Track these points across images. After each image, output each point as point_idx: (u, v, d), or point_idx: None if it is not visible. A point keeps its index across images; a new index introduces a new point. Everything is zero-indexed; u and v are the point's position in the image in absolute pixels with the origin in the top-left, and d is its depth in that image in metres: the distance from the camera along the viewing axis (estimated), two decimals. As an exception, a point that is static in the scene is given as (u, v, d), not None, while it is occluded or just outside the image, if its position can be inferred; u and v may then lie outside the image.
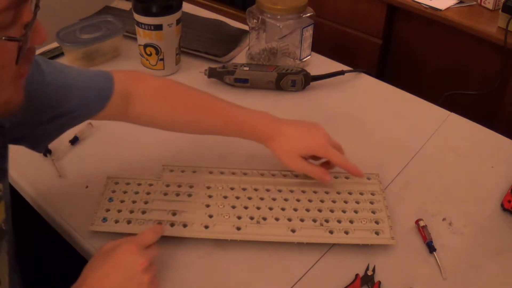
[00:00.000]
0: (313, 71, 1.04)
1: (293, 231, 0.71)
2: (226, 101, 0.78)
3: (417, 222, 0.74)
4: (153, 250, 0.64)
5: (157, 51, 1.03)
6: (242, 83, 1.02)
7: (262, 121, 0.76)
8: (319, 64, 1.11)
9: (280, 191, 0.78)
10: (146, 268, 0.60)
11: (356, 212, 0.75)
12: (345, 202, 0.76)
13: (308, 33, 1.07)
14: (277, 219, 0.73)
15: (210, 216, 0.73)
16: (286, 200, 0.76)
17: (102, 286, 0.58)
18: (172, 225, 0.72)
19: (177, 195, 0.76)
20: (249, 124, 0.76)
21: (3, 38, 0.44)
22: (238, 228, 0.71)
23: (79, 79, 0.70)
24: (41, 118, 0.66)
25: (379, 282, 0.66)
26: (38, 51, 1.11)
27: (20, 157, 0.86)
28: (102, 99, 0.71)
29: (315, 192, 0.78)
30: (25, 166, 0.83)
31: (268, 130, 0.75)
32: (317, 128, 0.77)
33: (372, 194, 0.78)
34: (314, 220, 0.73)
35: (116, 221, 0.72)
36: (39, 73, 0.64)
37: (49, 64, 0.67)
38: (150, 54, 1.03)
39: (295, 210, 0.74)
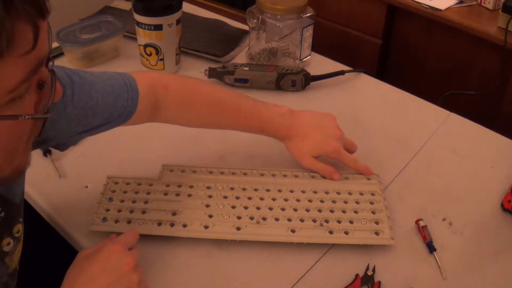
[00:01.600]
0: (313, 71, 1.04)
1: (293, 231, 0.71)
2: (247, 98, 0.81)
3: (417, 222, 0.74)
4: (137, 251, 0.64)
5: (157, 51, 1.03)
6: (242, 83, 1.02)
7: (281, 121, 0.80)
8: (319, 64, 1.11)
9: (280, 191, 0.78)
10: (134, 268, 0.60)
11: (356, 212, 0.75)
12: (345, 202, 0.76)
13: (308, 33, 1.07)
14: (277, 219, 0.73)
15: (210, 216, 0.73)
16: (286, 200, 0.76)
17: None
18: (172, 225, 0.72)
19: (177, 195, 0.76)
20: (269, 124, 0.80)
21: (25, 116, 0.44)
22: (238, 228, 0.71)
23: (106, 95, 0.68)
24: (66, 135, 0.66)
25: (379, 282, 0.66)
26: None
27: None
28: (128, 113, 0.71)
29: (315, 192, 0.78)
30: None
31: (285, 130, 0.80)
32: (332, 129, 0.81)
33: (372, 194, 0.78)
34: (314, 220, 0.73)
35: (116, 221, 0.72)
36: (64, 103, 0.62)
37: (74, 84, 0.64)
38: (150, 54, 1.03)
39: (295, 210, 0.74)
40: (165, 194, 0.76)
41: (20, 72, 0.41)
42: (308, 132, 0.80)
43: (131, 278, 0.59)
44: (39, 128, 0.50)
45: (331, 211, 0.75)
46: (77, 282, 0.57)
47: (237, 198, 0.76)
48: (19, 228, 0.60)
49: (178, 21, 1.02)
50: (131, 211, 0.73)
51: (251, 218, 0.73)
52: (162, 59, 1.04)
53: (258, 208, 0.74)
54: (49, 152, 0.85)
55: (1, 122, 0.43)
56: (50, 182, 0.81)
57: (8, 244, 0.57)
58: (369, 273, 0.67)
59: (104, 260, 0.59)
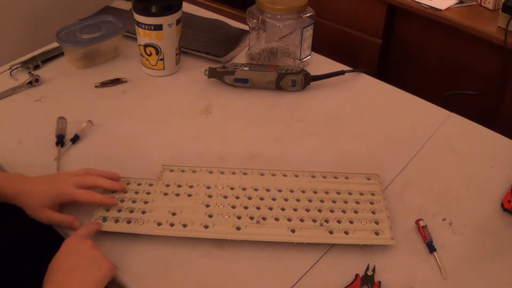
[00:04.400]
0: (313, 71, 1.04)
1: (293, 231, 0.71)
2: None
3: (417, 222, 0.74)
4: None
5: (157, 51, 1.03)
6: (242, 83, 1.02)
7: (7, 184, 0.75)
8: (319, 64, 1.11)
9: (280, 191, 0.78)
10: (93, 245, 0.66)
11: (356, 212, 0.75)
12: (345, 202, 0.76)
13: (308, 33, 1.07)
14: (277, 219, 0.73)
15: (210, 216, 0.73)
16: (286, 200, 0.76)
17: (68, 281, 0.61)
18: (172, 225, 0.72)
19: (177, 195, 0.76)
20: None
21: None
22: (238, 228, 0.71)
23: None
24: None
25: (379, 282, 0.66)
26: (38, 51, 1.11)
27: (20, 157, 0.86)
28: None
29: (315, 192, 0.78)
30: (25, 165, 0.83)
31: (12, 191, 0.74)
32: (60, 176, 0.78)
33: (372, 194, 0.78)
34: (314, 220, 0.73)
35: (116, 221, 0.72)
36: None
37: None
38: (150, 54, 1.03)
39: (295, 210, 0.74)
40: (165, 194, 0.76)
41: None
42: (33, 187, 0.74)
43: (94, 252, 0.65)
44: None
45: (331, 211, 0.75)
46: (50, 279, 0.62)
47: (237, 198, 0.76)
48: None
49: (178, 21, 1.02)
50: (131, 211, 0.73)
51: (251, 218, 0.73)
52: (162, 59, 1.04)
53: (258, 208, 0.75)
54: (62, 144, 0.86)
55: None
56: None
57: None
58: (369, 273, 0.67)
59: (64, 251, 0.65)
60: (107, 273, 0.64)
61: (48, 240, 0.84)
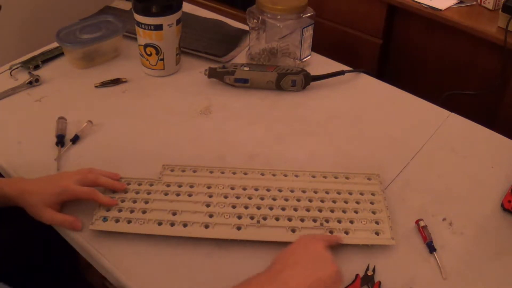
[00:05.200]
0: (313, 71, 1.04)
1: (293, 231, 0.71)
2: None
3: (417, 222, 0.74)
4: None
5: (157, 51, 1.03)
6: (242, 83, 1.02)
7: (9, 185, 0.75)
8: (319, 64, 1.11)
9: (280, 191, 0.78)
10: (325, 247, 0.64)
11: (356, 212, 0.75)
12: (345, 202, 0.76)
13: (308, 33, 1.07)
14: (277, 219, 0.73)
15: (211, 216, 0.73)
16: (286, 200, 0.76)
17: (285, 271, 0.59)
18: (172, 224, 0.72)
19: (178, 195, 0.76)
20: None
21: None
22: (238, 228, 0.71)
23: None
24: None
25: (379, 282, 0.66)
26: (38, 51, 1.11)
27: (20, 157, 0.86)
28: None
29: (315, 192, 0.78)
30: (25, 166, 0.83)
31: (14, 191, 0.74)
32: (60, 175, 0.78)
33: (373, 194, 0.78)
34: (314, 220, 0.73)
35: (117, 221, 0.72)
36: None
37: None
38: (150, 54, 1.03)
39: (295, 210, 0.74)
40: (166, 194, 0.76)
41: None
42: (33, 187, 0.74)
43: (324, 253, 0.63)
44: None
45: (332, 211, 0.75)
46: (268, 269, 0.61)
47: (238, 197, 0.76)
48: None
49: (178, 21, 1.02)
50: (132, 211, 0.73)
51: (252, 218, 0.73)
52: (162, 59, 1.04)
53: (258, 208, 0.75)
54: (62, 144, 0.86)
55: None
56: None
57: None
58: (369, 273, 0.67)
59: (294, 246, 0.64)
60: (331, 277, 0.60)
61: (49, 241, 0.84)
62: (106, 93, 1.02)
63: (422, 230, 0.73)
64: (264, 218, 0.73)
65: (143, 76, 1.07)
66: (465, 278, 0.68)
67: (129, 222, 0.72)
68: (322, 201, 0.76)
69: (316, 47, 1.13)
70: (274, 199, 0.76)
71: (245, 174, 0.81)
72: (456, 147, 0.90)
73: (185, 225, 0.72)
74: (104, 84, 1.03)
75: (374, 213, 0.74)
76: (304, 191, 0.78)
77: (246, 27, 1.17)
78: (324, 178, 0.80)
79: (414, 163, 0.86)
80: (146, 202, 0.75)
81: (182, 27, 1.05)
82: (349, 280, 0.67)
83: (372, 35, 1.62)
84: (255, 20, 1.07)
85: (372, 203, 0.76)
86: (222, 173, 0.81)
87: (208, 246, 0.71)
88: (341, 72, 1.06)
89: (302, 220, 0.73)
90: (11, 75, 1.05)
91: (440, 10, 1.40)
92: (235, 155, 0.87)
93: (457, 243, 0.73)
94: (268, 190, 0.78)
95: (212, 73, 1.03)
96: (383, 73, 1.67)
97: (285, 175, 0.81)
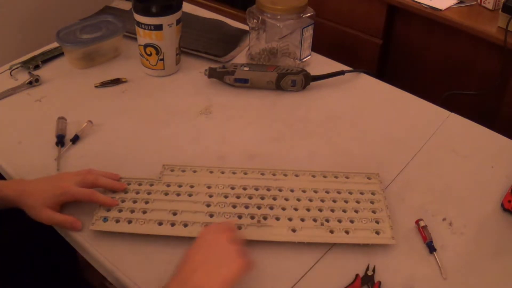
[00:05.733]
0: (313, 71, 1.04)
1: (293, 230, 0.71)
2: None
3: (417, 222, 0.74)
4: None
5: (157, 51, 1.03)
6: (242, 83, 1.02)
7: (8, 186, 0.75)
8: (319, 64, 1.11)
9: (280, 190, 0.78)
10: (230, 239, 0.63)
11: (356, 211, 0.75)
12: (346, 201, 0.76)
13: (308, 33, 1.07)
14: (277, 219, 0.73)
15: (211, 216, 0.73)
16: (286, 199, 0.76)
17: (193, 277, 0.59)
18: (172, 225, 0.72)
19: (178, 195, 0.76)
20: None
21: None
22: (239, 228, 0.71)
23: None
24: None
25: (379, 282, 0.66)
26: (38, 51, 1.11)
27: (20, 157, 0.86)
28: None
29: (315, 191, 0.78)
30: (25, 166, 0.83)
31: (14, 192, 0.74)
32: (60, 176, 0.78)
33: (373, 193, 0.78)
34: (315, 220, 0.73)
35: (117, 221, 0.72)
36: None
37: None
38: (150, 54, 1.03)
39: (296, 209, 0.74)
40: (166, 194, 0.76)
41: None
42: (33, 188, 0.74)
43: (229, 247, 0.62)
44: None
45: (332, 211, 0.75)
46: (177, 272, 0.61)
47: (238, 197, 0.76)
48: None
49: (178, 21, 1.02)
50: (132, 211, 0.73)
51: (252, 218, 0.73)
52: (162, 59, 1.04)
53: (258, 208, 0.75)
54: (62, 144, 0.86)
55: None
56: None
57: None
58: (369, 273, 0.67)
59: (200, 241, 0.63)
60: (238, 272, 0.60)
61: (48, 241, 0.84)
62: (106, 93, 1.02)
63: (422, 230, 0.73)
64: (265, 218, 0.73)
65: (143, 76, 1.07)
66: (465, 278, 0.68)
67: (129, 222, 0.72)
68: (322, 200, 0.76)
69: (316, 47, 1.13)
70: (274, 198, 0.76)
71: (245, 174, 0.81)
72: (456, 147, 0.90)
73: (185, 225, 0.72)
74: (104, 84, 1.03)
75: (374, 212, 0.74)
76: (304, 191, 0.78)
77: (246, 27, 1.17)
78: (324, 178, 0.80)
79: (414, 163, 0.87)
80: (147, 202, 0.75)
81: (182, 27, 1.05)
82: (349, 280, 0.67)
83: (372, 35, 1.62)
84: (255, 20, 1.07)
85: (372, 202, 0.76)
86: (222, 173, 0.81)
87: (208, 246, 0.71)
88: (341, 72, 1.06)
89: (302, 220, 0.73)
90: (11, 75, 1.05)
91: (440, 10, 1.40)
92: (235, 155, 0.87)
93: (457, 243, 0.73)
94: (268, 189, 0.78)
95: (212, 73, 1.03)
96: (383, 73, 1.67)
97: (285, 175, 0.81)
